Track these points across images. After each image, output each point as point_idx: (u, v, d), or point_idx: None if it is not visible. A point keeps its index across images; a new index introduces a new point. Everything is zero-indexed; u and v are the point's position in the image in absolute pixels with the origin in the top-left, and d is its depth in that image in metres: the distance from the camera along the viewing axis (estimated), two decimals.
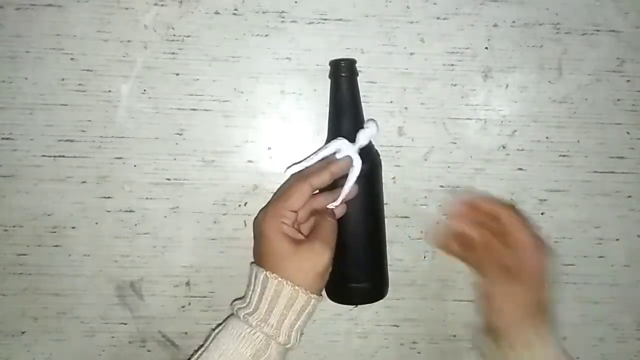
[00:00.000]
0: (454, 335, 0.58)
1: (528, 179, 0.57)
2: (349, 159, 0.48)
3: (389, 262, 0.57)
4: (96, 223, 0.56)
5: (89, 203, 0.55)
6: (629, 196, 0.57)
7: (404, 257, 0.57)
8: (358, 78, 0.54)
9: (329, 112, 0.52)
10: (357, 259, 0.51)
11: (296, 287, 0.45)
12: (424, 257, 0.57)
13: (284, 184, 0.51)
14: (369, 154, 0.51)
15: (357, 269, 0.51)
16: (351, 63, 0.51)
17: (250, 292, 0.47)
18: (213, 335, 0.46)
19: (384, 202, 0.55)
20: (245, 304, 0.46)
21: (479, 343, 0.51)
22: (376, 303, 0.56)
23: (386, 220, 0.56)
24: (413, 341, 0.59)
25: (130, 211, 0.56)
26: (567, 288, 0.58)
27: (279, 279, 0.45)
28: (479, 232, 0.51)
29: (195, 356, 0.46)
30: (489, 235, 0.50)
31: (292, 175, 0.50)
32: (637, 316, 0.59)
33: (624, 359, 0.60)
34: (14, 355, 0.57)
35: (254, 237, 0.49)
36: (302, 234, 0.48)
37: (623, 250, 0.58)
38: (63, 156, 0.55)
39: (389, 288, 0.57)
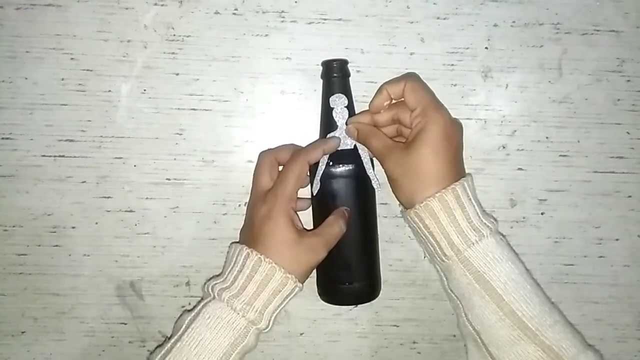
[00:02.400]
0: (454, 335, 0.58)
1: (528, 179, 0.57)
2: (337, 138, 0.50)
3: (389, 262, 0.57)
4: (96, 223, 0.56)
5: (89, 203, 0.56)
6: (629, 196, 0.57)
7: (404, 257, 0.57)
8: (358, 78, 0.54)
9: (321, 113, 0.52)
10: (348, 259, 0.51)
11: (288, 275, 0.45)
12: (424, 257, 0.57)
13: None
14: (358, 153, 0.51)
15: (348, 269, 0.51)
16: (343, 64, 0.51)
17: (235, 273, 0.46)
18: (187, 323, 0.45)
19: (385, 202, 0.56)
20: (227, 285, 0.46)
21: (404, 219, 0.50)
22: (376, 303, 0.56)
23: (386, 220, 0.56)
24: (413, 341, 0.59)
25: (130, 211, 0.56)
26: (567, 288, 0.58)
27: (272, 263, 0.45)
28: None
29: (167, 346, 0.45)
30: (394, 114, 0.49)
31: (270, 153, 0.52)
32: (637, 316, 0.59)
33: (624, 359, 0.60)
34: (14, 355, 0.57)
35: (252, 217, 0.49)
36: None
37: (623, 250, 0.58)
38: (63, 156, 0.55)
39: (390, 288, 0.57)
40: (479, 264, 0.44)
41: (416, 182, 0.46)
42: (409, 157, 0.46)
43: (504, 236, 0.47)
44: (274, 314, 0.46)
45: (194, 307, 0.47)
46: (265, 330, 0.46)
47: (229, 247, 0.49)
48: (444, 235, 0.45)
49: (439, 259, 0.47)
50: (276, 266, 0.45)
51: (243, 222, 0.52)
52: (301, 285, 0.47)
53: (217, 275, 0.48)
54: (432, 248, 0.47)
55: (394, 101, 0.50)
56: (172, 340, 0.45)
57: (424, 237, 0.47)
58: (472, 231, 0.45)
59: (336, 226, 0.49)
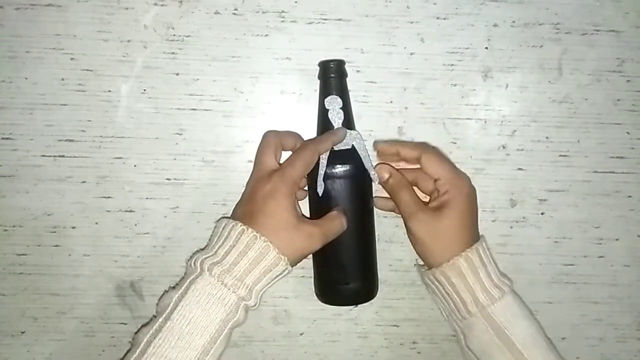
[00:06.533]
0: (454, 335, 0.58)
1: (528, 179, 0.57)
2: (344, 129, 0.51)
3: (389, 262, 0.57)
4: (96, 223, 0.56)
5: (89, 203, 0.56)
6: (629, 196, 0.57)
7: (404, 257, 0.57)
8: (358, 78, 0.54)
9: (318, 113, 0.52)
10: (345, 260, 0.51)
11: (281, 256, 0.45)
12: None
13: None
14: (356, 154, 0.51)
15: (345, 269, 0.51)
16: (340, 64, 0.51)
17: (227, 248, 0.45)
18: (175, 300, 0.44)
19: None
20: (218, 259, 0.45)
21: (423, 279, 0.52)
22: (376, 303, 0.56)
23: (386, 220, 0.56)
24: (413, 341, 0.59)
25: (130, 211, 0.56)
26: (567, 288, 0.58)
27: (268, 242, 0.45)
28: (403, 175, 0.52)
29: (156, 326, 0.43)
30: (412, 177, 0.52)
31: (271, 135, 0.51)
32: (637, 316, 0.59)
33: (624, 359, 0.60)
34: (14, 355, 0.57)
35: (254, 194, 0.48)
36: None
37: (623, 250, 0.58)
38: (63, 156, 0.55)
39: (390, 288, 0.57)
40: (501, 320, 0.47)
41: (444, 245, 0.48)
42: (439, 222, 0.48)
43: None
44: (262, 292, 0.46)
45: (179, 283, 0.46)
46: (253, 307, 0.46)
47: (218, 221, 0.48)
48: (469, 292, 0.47)
49: (460, 316, 0.48)
50: (271, 245, 0.45)
51: (240, 198, 0.51)
52: (291, 268, 0.47)
53: (202, 250, 0.47)
54: (454, 305, 0.49)
55: (402, 164, 0.53)
56: (161, 319, 0.44)
57: (447, 294, 0.49)
58: (495, 288, 0.47)
59: (337, 221, 0.49)
